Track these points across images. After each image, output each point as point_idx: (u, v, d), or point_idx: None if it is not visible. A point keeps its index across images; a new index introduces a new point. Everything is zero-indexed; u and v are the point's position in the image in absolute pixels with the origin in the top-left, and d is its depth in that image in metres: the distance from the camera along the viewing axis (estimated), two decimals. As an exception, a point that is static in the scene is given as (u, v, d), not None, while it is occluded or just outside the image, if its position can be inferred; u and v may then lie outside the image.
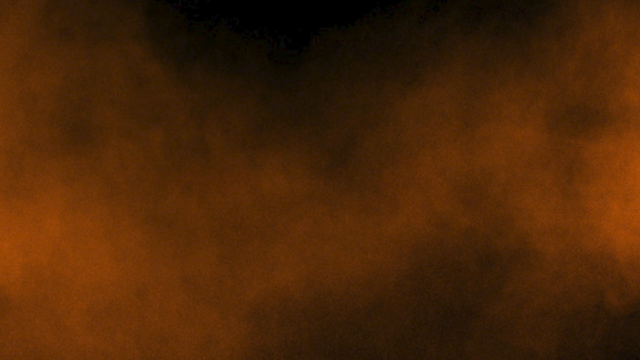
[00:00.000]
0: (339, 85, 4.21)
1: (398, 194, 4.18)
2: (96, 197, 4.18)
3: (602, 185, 4.12)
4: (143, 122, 4.21)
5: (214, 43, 4.23)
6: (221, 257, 4.19)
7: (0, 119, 4.19)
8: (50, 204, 4.17)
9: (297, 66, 4.22)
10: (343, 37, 4.22)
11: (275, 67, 4.22)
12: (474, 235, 4.16)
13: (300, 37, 4.22)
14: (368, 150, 4.20)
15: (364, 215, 4.18)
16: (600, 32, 4.14)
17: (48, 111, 4.20)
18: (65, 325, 4.16)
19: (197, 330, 4.17)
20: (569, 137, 4.15)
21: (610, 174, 4.12)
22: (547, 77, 4.16)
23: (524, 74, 4.16)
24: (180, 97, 4.21)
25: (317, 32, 4.22)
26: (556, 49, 4.15)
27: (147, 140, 4.21)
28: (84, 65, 4.20)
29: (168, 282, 4.17)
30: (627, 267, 4.10)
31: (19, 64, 4.20)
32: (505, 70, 4.17)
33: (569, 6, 4.15)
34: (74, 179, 4.18)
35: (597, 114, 4.15)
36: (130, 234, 4.18)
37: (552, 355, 4.14)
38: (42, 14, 4.19)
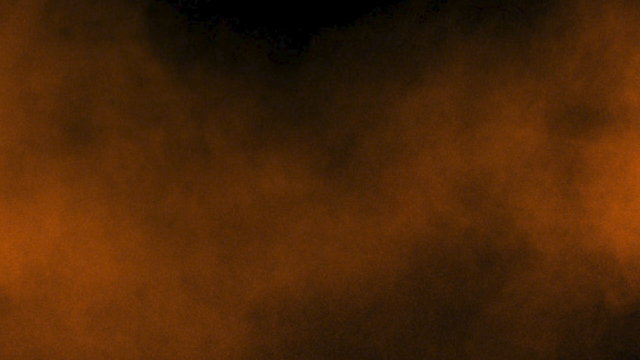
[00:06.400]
0: (339, 85, 4.21)
1: (398, 194, 4.18)
2: (96, 197, 4.18)
3: (602, 185, 4.12)
4: (143, 122, 4.21)
5: (214, 43, 4.23)
6: (221, 257, 4.19)
7: (0, 119, 4.19)
8: (50, 204, 4.17)
9: (297, 66, 4.22)
10: (343, 37, 4.22)
11: (275, 67, 4.22)
12: (474, 235, 4.16)
13: (300, 37, 4.22)
14: (368, 150, 4.20)
15: (364, 215, 4.18)
16: (600, 32, 4.14)
17: (48, 111, 4.20)
18: (65, 325, 4.16)
19: (197, 330, 4.17)
20: (569, 137, 4.15)
21: (610, 174, 4.12)
22: (547, 77, 4.16)
23: (524, 74, 4.16)
24: (180, 97, 4.21)
25: (317, 32, 4.22)
26: (556, 49, 4.15)
27: (147, 140, 4.21)
28: (84, 65, 4.20)
29: (168, 282, 4.18)
30: (627, 267, 4.10)
31: (19, 64, 4.20)
32: (505, 70, 4.17)
33: (569, 6, 4.15)
34: (74, 179, 4.18)
35: (597, 114, 4.15)
36: (130, 234, 4.18)
37: (552, 355, 4.14)
38: (42, 14, 4.20)
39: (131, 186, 4.20)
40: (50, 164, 4.19)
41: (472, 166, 4.17)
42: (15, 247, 4.16)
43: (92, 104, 4.21)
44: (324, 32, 4.22)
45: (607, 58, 4.14)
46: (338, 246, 4.18)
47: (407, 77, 4.20)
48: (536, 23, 4.16)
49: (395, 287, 4.18)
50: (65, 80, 4.21)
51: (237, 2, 4.24)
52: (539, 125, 4.17)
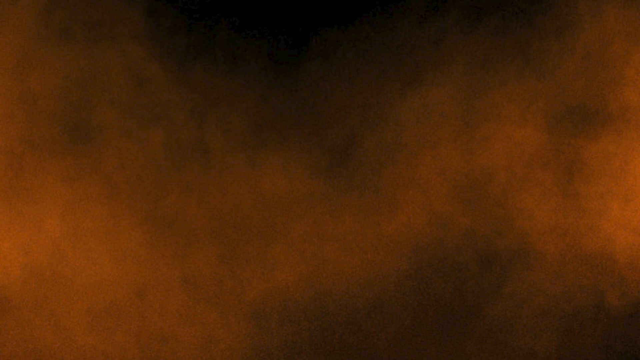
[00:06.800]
0: (339, 85, 4.21)
1: (398, 194, 4.18)
2: (96, 197, 4.18)
3: (602, 185, 4.12)
4: (143, 122, 4.21)
5: (214, 43, 4.23)
6: (221, 257, 4.19)
7: (0, 119, 4.19)
8: (50, 204, 4.17)
9: (297, 66, 4.22)
10: (343, 37, 4.22)
11: (275, 67, 4.22)
12: (474, 235, 4.16)
13: (300, 37, 4.22)
14: (368, 150, 4.20)
15: (364, 215, 4.18)
16: (600, 32, 4.14)
17: (48, 111, 4.20)
18: (65, 325, 4.16)
19: (197, 330, 4.17)
20: (569, 137, 4.15)
21: (610, 174, 4.12)
22: (547, 77, 4.16)
23: (524, 74, 4.16)
24: (180, 97, 4.21)
25: (317, 32, 4.22)
26: (556, 49, 4.15)
27: (147, 140, 4.21)
28: (84, 65, 4.20)
29: (168, 282, 4.18)
30: (627, 267, 4.10)
31: (19, 64, 4.20)
32: (505, 70, 4.17)
33: (569, 6, 4.15)
34: (74, 179, 4.19)
35: (597, 114, 4.15)
36: (130, 234, 4.18)
37: (552, 355, 4.14)
38: (42, 14, 4.20)
39: (131, 186, 4.20)
40: (50, 164, 4.19)
41: (472, 166, 4.17)
42: (15, 247, 4.16)
43: (92, 104, 4.21)
44: (324, 32, 4.22)
45: (607, 58, 4.14)
46: (338, 246, 4.18)
47: (407, 77, 4.20)
48: (536, 23, 4.16)
49: (395, 287, 4.18)
50: (65, 80, 4.21)
51: (237, 2, 4.24)
52: (539, 125, 4.17)
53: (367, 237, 4.18)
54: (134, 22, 4.21)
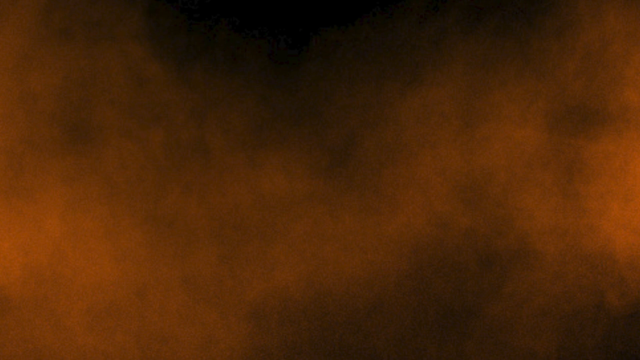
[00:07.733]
0: (339, 85, 4.21)
1: (398, 194, 4.18)
2: (96, 197, 4.18)
3: (602, 185, 4.12)
4: (143, 122, 4.21)
5: (214, 43, 4.23)
6: (221, 257, 4.19)
7: (0, 119, 4.19)
8: (50, 204, 4.17)
9: (297, 66, 4.22)
10: (343, 37, 4.22)
11: (275, 67, 4.22)
12: (474, 235, 4.16)
13: (300, 37, 4.22)
14: (368, 150, 4.20)
15: (364, 215, 4.18)
16: (600, 32, 4.14)
17: (48, 111, 4.20)
18: (65, 325, 4.16)
19: (197, 330, 4.17)
20: (569, 137, 4.15)
21: (610, 174, 4.12)
22: (547, 77, 4.16)
23: (524, 74, 4.16)
24: (180, 97, 4.21)
25: (317, 32, 4.22)
26: (556, 49, 4.15)
27: (147, 140, 4.21)
28: (84, 65, 4.20)
29: (168, 282, 4.18)
30: (627, 267, 4.10)
31: (19, 64, 4.20)
32: (505, 70, 4.17)
33: (569, 6, 4.15)
34: (74, 179, 4.19)
35: (597, 114, 4.15)
36: (130, 234, 4.18)
37: (552, 355, 4.14)
38: (42, 14, 4.20)
39: (131, 186, 4.20)
40: (50, 164, 4.19)
41: (472, 166, 4.17)
42: (15, 247, 4.16)
43: (92, 104, 4.21)
44: (324, 32, 4.22)
45: (607, 58, 4.14)
46: (338, 246, 4.18)
47: (407, 77, 4.20)
48: (536, 23, 4.16)
49: (395, 287, 4.18)
50: (65, 80, 4.21)
51: (237, 2, 4.24)
52: (539, 125, 4.17)
53: (367, 237, 4.18)
54: (134, 22, 4.21)
